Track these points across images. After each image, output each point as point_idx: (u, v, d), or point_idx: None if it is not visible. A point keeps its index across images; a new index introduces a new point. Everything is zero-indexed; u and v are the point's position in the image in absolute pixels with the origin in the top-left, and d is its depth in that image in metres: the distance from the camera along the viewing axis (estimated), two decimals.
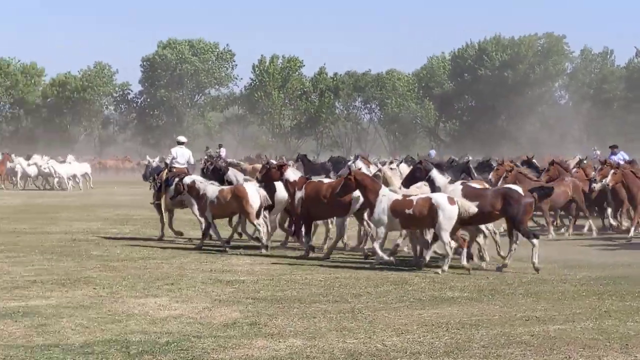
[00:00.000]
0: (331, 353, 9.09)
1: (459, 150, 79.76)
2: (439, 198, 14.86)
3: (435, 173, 16.49)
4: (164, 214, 20.80)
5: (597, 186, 20.80)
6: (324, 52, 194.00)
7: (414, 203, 14.86)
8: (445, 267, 14.73)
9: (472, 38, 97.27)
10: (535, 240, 14.83)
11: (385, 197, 15.11)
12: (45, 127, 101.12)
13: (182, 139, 23.34)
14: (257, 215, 17.99)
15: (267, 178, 18.17)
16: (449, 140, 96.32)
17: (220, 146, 48.74)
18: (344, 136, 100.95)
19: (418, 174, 16.87)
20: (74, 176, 46.94)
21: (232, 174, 20.85)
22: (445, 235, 14.60)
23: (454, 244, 14.81)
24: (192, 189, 18.56)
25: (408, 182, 16.81)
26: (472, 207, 14.67)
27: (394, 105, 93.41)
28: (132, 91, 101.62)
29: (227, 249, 18.03)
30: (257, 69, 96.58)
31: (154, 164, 22.94)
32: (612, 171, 20.11)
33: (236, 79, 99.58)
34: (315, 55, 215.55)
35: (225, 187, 18.80)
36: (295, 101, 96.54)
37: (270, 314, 11.10)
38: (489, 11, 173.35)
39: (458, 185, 15.95)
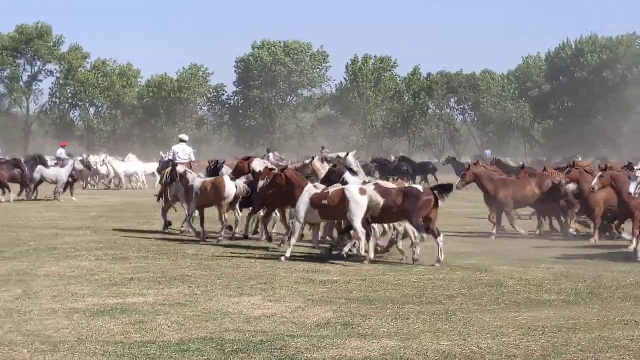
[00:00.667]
0: (425, 355, 9.03)
1: (554, 151, 78.42)
2: (350, 189, 16.23)
3: (348, 175, 18.00)
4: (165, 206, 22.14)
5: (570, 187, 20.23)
6: (416, 52, 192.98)
7: (329, 195, 16.29)
8: (362, 252, 16.01)
9: (568, 37, 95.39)
10: (439, 239, 15.89)
11: (308, 192, 16.62)
12: (141, 128, 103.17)
13: (184, 137, 25.59)
14: (233, 206, 20.09)
15: (238, 172, 19.97)
16: (544, 141, 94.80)
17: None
18: (436, 137, 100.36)
19: (333, 177, 18.33)
20: (133, 175, 47.92)
21: (225, 171, 21.85)
22: (357, 222, 15.73)
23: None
24: (183, 178, 20.83)
25: (325, 183, 17.96)
26: (379, 198, 15.95)
27: (488, 105, 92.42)
28: (226, 92, 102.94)
29: (206, 239, 19.56)
30: (350, 69, 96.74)
31: (166, 159, 24.08)
32: (600, 174, 18.63)
33: (329, 80, 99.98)
34: (407, 55, 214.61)
35: (208, 179, 20.70)
36: (388, 101, 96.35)
37: (363, 314, 11.07)
38: (583, 10, 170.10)
39: (371, 185, 16.94)
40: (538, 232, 22.25)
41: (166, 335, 9.78)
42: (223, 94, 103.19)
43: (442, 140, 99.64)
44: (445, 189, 16.41)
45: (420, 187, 17.00)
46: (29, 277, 13.83)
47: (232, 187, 19.74)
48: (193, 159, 25.17)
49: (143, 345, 9.29)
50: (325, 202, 16.25)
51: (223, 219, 19.91)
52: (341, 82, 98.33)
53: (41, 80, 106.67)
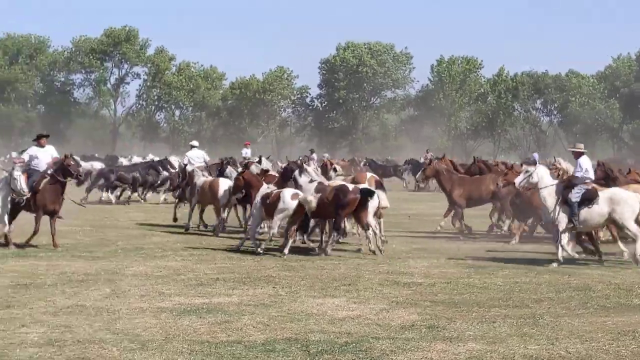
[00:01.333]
0: (512, 359, 8.90)
1: None
2: (284, 192, 17.90)
3: (296, 174, 19.57)
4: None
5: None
6: (501, 52, 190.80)
7: (272, 195, 17.94)
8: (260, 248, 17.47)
9: None
10: (368, 232, 17.62)
11: (260, 193, 18.31)
12: (225, 129, 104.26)
13: (194, 143, 28.82)
14: (224, 207, 22.29)
15: (221, 174, 23.81)
16: (632, 143, 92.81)
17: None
18: (521, 138, 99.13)
19: (286, 175, 20.33)
20: None
21: (229, 171, 24.05)
22: (276, 219, 17.57)
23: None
24: (191, 176, 23.38)
25: (282, 180, 20.29)
26: (312, 203, 17.28)
27: (576, 105, 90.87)
28: (309, 94, 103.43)
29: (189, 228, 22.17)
30: (435, 70, 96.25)
31: (182, 165, 26.66)
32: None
33: (412, 81, 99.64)
34: (490, 55, 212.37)
35: (209, 179, 22.79)
36: (473, 103, 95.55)
37: (448, 317, 10.98)
38: None
39: (315, 184, 18.76)
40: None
41: (251, 335, 9.84)
42: (307, 96, 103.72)
43: (528, 142, 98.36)
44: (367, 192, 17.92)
45: (350, 186, 18.28)
46: (117, 277, 14.07)
47: (225, 189, 21.55)
48: (207, 158, 27.68)
49: (229, 344, 9.37)
50: (267, 201, 17.86)
51: (219, 216, 21.96)
52: (426, 83, 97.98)
53: (128, 83, 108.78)
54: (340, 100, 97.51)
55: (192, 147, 27.87)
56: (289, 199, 17.55)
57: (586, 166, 16.74)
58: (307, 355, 8.97)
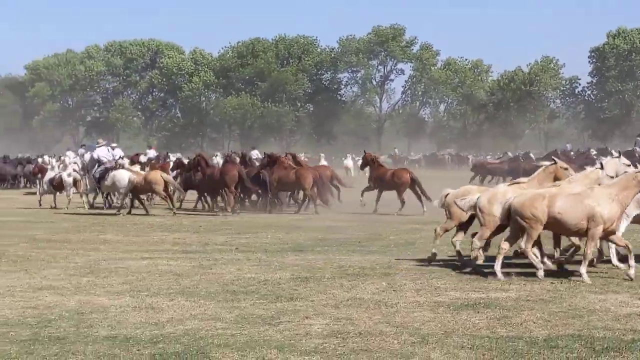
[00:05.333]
0: None
1: None
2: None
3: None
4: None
5: None
6: None
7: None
8: None
9: None
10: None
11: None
12: (491, 123, 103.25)
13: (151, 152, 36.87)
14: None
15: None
16: None
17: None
18: None
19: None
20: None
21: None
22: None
23: None
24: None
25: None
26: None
27: None
28: (579, 84, 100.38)
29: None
30: None
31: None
32: None
33: None
34: None
35: (142, 172, 28.64)
36: None
37: None
38: None
39: None
40: None
41: (532, 330, 9.62)
42: (577, 86, 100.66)
43: None
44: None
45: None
46: (391, 271, 14.24)
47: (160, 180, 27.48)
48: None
49: (510, 340, 9.20)
50: None
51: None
52: None
53: (392, 80, 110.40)
54: (613, 90, 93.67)
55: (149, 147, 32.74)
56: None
57: None
58: (592, 352, 8.64)
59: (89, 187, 30.76)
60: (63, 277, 13.81)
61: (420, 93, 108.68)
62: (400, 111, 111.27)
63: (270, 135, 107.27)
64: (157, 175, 27.64)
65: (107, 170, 28.26)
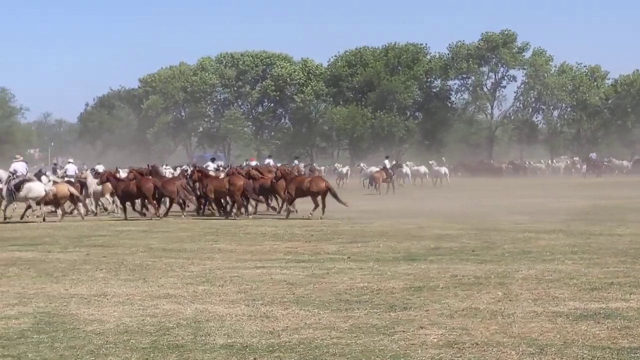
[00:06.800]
0: None
1: None
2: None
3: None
4: None
5: None
6: None
7: None
8: None
9: None
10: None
11: None
12: (606, 129, 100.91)
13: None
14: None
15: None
16: None
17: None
18: None
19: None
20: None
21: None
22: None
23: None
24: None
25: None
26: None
27: None
28: None
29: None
30: None
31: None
32: None
33: None
34: None
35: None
36: None
37: None
38: None
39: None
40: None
41: None
42: None
43: None
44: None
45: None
46: (507, 280, 14.00)
47: (66, 191, 31.84)
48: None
49: (632, 351, 8.92)
50: None
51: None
52: None
53: (504, 86, 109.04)
54: None
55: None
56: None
57: None
58: None
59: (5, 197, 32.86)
60: (180, 285, 14.06)
61: (532, 99, 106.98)
62: (512, 117, 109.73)
63: (379, 144, 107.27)
64: (64, 189, 31.92)
65: (22, 182, 31.24)
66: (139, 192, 31.98)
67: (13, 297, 13.16)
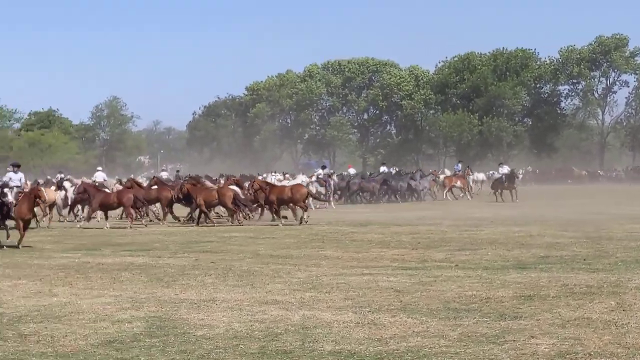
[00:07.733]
0: None
1: None
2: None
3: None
4: None
5: None
6: None
7: None
8: None
9: None
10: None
11: None
12: None
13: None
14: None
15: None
16: None
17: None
18: None
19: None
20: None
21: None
22: None
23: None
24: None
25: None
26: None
27: None
28: None
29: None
30: None
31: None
32: None
33: None
34: None
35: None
36: None
37: None
38: None
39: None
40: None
41: None
42: None
43: None
44: None
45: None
46: (620, 289, 13.63)
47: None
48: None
49: None
50: None
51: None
52: None
53: (615, 92, 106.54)
54: None
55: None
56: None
57: None
58: None
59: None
60: (287, 292, 14.14)
61: None
62: (625, 123, 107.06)
63: (487, 150, 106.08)
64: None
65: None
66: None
67: (126, 301, 13.47)
